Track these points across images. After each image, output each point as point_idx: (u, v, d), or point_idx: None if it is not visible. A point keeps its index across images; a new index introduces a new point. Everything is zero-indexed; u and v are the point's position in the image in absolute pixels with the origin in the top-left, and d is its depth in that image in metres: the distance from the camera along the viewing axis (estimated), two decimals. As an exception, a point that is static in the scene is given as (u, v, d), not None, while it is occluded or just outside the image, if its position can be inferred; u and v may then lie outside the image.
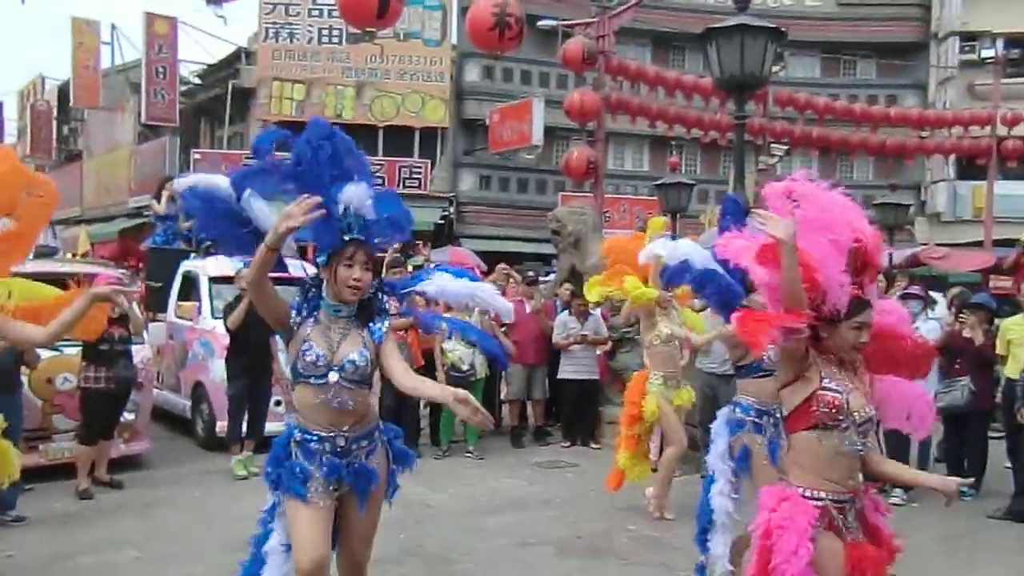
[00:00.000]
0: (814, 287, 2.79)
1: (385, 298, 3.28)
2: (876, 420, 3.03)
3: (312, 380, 3.13)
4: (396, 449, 3.35)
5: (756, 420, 4.67)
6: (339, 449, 3.15)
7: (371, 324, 3.23)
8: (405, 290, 3.40)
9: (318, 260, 3.19)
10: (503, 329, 9.11)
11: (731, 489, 4.69)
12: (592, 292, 7.02)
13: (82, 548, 5.33)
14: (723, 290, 4.56)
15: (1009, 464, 7.19)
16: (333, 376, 3.11)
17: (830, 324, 2.86)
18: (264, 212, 3.25)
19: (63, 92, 28.21)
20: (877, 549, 2.89)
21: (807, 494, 2.87)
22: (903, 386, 3.12)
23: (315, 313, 3.18)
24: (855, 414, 2.86)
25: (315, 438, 3.14)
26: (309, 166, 3.08)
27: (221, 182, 3.30)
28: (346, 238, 3.10)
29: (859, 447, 2.89)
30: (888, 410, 3.10)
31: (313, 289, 3.21)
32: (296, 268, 3.63)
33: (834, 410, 2.84)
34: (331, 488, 3.14)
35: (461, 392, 2.96)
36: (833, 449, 2.85)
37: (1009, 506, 6.65)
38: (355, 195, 3.08)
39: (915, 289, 8.03)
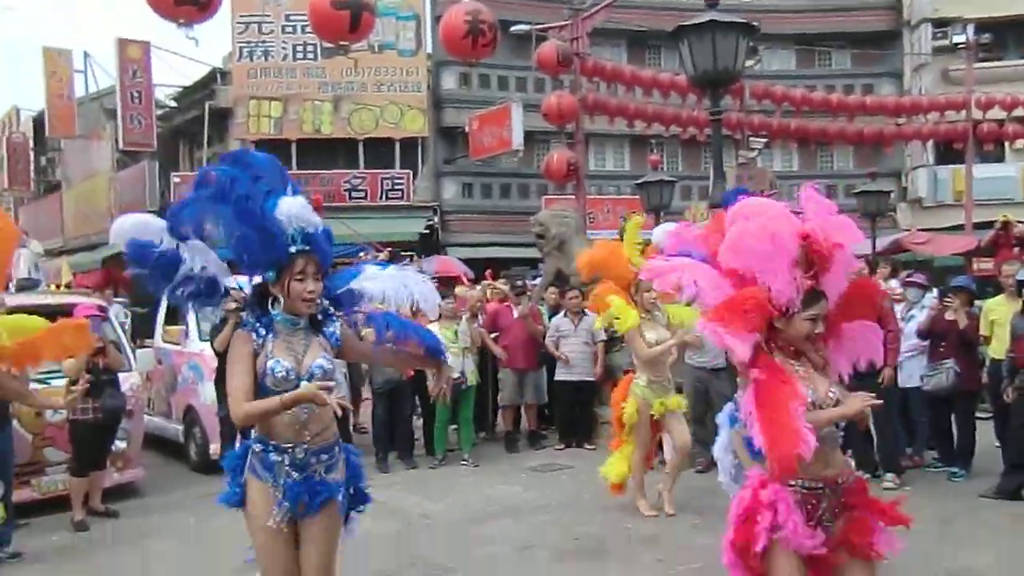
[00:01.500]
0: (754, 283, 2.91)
1: (326, 302, 3.26)
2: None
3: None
4: (353, 468, 3.33)
5: None
6: (297, 462, 3.12)
7: (324, 330, 3.24)
8: (340, 291, 3.33)
9: (266, 277, 3.16)
10: (493, 336, 9.14)
11: (730, 479, 4.72)
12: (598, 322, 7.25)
13: (79, 579, 5.32)
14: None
15: (998, 444, 7.25)
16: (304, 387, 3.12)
17: (785, 316, 2.95)
18: (205, 255, 3.16)
19: (38, 123, 28.07)
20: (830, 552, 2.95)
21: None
22: (863, 327, 3.19)
23: (272, 328, 3.16)
24: (823, 406, 2.94)
25: (274, 450, 3.12)
26: (236, 191, 3.04)
27: (156, 224, 3.15)
28: (293, 250, 3.09)
29: (835, 435, 2.99)
30: (851, 351, 3.18)
31: (258, 307, 3.19)
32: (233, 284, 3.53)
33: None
34: (288, 516, 3.12)
35: None
36: None
37: (999, 485, 6.69)
38: (293, 207, 3.06)
39: (918, 278, 8.09)
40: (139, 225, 3.17)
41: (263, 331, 3.15)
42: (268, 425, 3.14)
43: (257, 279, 3.23)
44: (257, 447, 3.15)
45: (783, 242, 2.87)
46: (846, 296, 3.09)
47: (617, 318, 6.27)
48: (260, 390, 3.13)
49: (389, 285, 3.36)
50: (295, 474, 3.11)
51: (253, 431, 3.22)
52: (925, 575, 4.94)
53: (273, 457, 3.11)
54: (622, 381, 6.59)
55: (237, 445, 7.35)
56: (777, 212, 2.97)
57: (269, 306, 3.17)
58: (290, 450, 3.11)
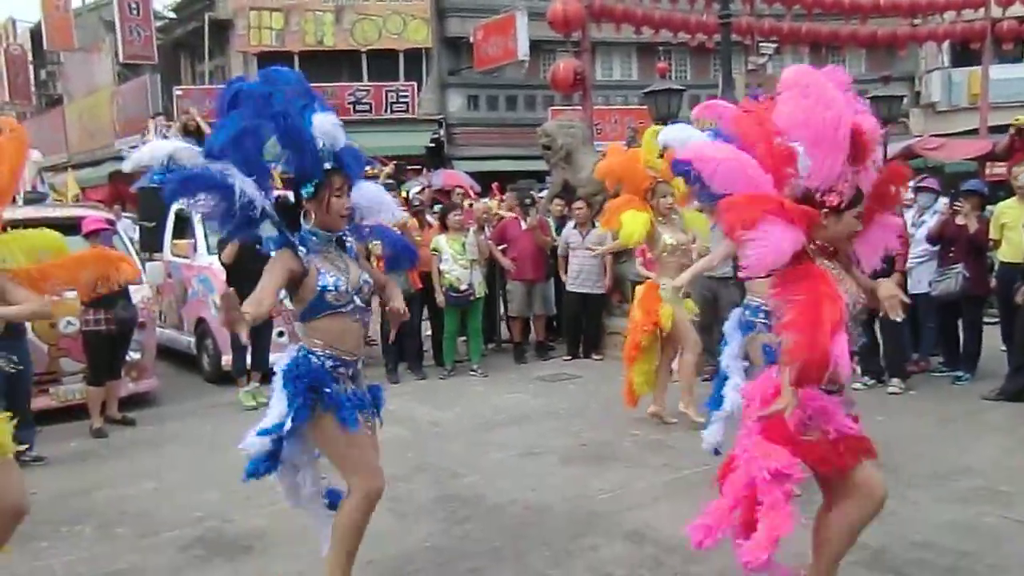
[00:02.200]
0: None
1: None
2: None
3: (342, 309, 3.17)
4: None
5: (765, 321, 4.67)
6: (353, 374, 3.27)
7: (347, 246, 3.29)
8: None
9: (304, 192, 3.15)
10: (501, 248, 9.13)
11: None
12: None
13: (100, 483, 5.47)
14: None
15: (1004, 348, 7.28)
16: (357, 300, 3.21)
17: (835, 214, 2.86)
18: (249, 186, 3.03)
19: (36, 35, 27.52)
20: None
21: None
22: (884, 220, 3.14)
23: (308, 244, 3.15)
24: (852, 308, 2.91)
25: (341, 364, 3.20)
26: (274, 107, 2.98)
27: (185, 154, 3.00)
28: (327, 167, 3.09)
29: (856, 337, 3.02)
30: (876, 242, 3.12)
31: (287, 224, 3.15)
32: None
33: None
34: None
35: None
36: None
37: (1002, 386, 6.75)
38: (326, 123, 3.04)
39: (929, 182, 7.99)
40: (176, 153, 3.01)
41: (303, 248, 3.14)
42: (335, 342, 3.17)
43: (274, 196, 3.22)
44: (329, 364, 3.16)
45: (844, 135, 2.73)
46: (878, 186, 3.02)
47: (624, 235, 6.27)
48: (318, 306, 3.15)
49: (375, 198, 3.47)
50: (351, 384, 3.25)
51: (313, 346, 3.18)
52: (927, 474, 5.03)
53: (342, 370, 3.21)
54: (647, 288, 6.36)
55: (248, 356, 7.53)
56: (843, 100, 2.80)
57: (298, 222, 3.18)
58: (354, 363, 3.25)
